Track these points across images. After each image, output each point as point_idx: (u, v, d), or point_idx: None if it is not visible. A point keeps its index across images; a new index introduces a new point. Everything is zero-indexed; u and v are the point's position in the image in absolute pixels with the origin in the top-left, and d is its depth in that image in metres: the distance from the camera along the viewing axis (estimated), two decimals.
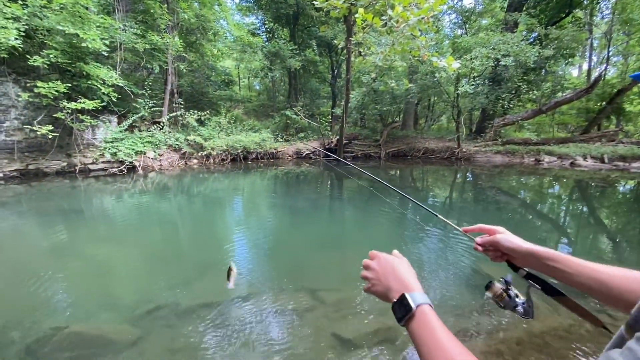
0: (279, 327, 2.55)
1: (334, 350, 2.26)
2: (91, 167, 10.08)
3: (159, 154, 11.49)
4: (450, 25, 21.33)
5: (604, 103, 15.91)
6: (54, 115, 9.00)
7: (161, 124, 12.07)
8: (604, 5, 16.64)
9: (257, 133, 14.50)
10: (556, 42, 13.47)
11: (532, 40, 14.48)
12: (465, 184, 10.29)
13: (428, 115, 22.42)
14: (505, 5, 16.78)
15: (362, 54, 9.37)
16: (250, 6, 19.73)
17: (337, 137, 14.60)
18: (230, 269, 0.82)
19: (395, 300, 0.59)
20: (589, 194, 8.30)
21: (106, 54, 9.87)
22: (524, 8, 15.39)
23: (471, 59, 12.04)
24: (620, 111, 16.43)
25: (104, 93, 9.61)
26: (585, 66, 21.03)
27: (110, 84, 9.73)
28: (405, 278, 0.61)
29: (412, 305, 0.56)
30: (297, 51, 16.02)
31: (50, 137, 8.89)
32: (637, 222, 5.90)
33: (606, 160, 11.99)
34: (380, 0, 5.59)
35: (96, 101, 9.33)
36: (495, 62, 12.59)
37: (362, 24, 5.32)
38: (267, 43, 17.32)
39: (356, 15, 5.07)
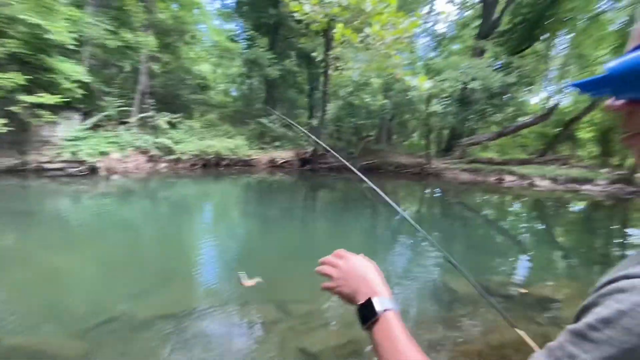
0: (243, 341, 2.45)
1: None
2: (46, 166, 9.36)
3: (124, 156, 10.93)
4: (423, 47, 22.43)
5: (559, 129, 17.28)
6: (7, 109, 8.33)
7: (129, 124, 11.53)
8: (561, 40, 18.32)
9: (231, 139, 14.23)
10: (518, 70, 14.54)
11: (497, 66, 15.53)
12: (433, 199, 10.66)
13: (401, 131, 23.17)
14: (475, 33, 17.94)
15: (340, 68, 9.60)
16: (230, 12, 19.66)
17: (313, 147, 14.66)
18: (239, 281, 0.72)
19: (361, 302, 0.57)
20: (545, 213, 8.87)
21: (73, 48, 9.36)
22: (492, 37, 16.53)
23: (441, 80, 12.67)
24: (573, 137, 17.94)
25: (67, 88, 9.06)
26: (543, 94, 22.85)
27: (75, 80, 9.20)
28: (374, 282, 0.60)
29: (379, 309, 0.54)
30: (276, 60, 16.08)
31: (4, 131, 8.19)
32: (587, 240, 6.36)
33: (561, 182, 12.94)
34: (359, 17, 5.77)
35: (58, 96, 8.75)
36: (464, 85, 13.33)
37: (340, 38, 5.45)
38: (246, 50, 17.25)
39: (335, 31, 5.19)
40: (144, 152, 11.60)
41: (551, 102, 18.21)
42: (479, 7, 18.44)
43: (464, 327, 2.72)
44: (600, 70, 0.35)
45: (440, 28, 22.30)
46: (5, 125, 8.06)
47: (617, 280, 0.35)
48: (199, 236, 5.31)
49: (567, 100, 21.13)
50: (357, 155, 15.75)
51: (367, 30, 5.14)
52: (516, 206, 9.86)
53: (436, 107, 13.14)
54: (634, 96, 0.37)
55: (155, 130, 12.38)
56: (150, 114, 12.27)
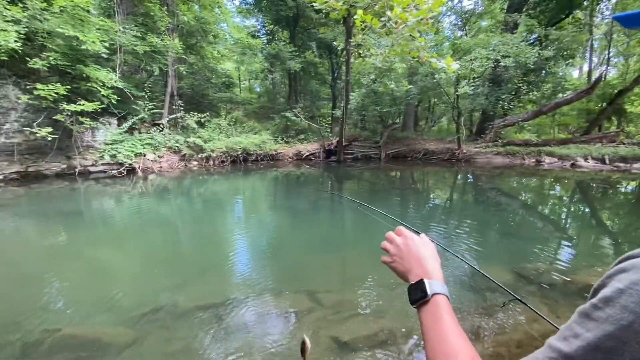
0: (277, 330, 2.52)
1: (332, 353, 2.24)
2: (91, 169, 10.08)
3: (158, 156, 11.49)
4: (450, 27, 21.36)
5: (604, 104, 15.88)
6: (54, 118, 9.01)
7: (161, 125, 12.08)
8: (604, 6, 16.65)
9: (257, 135, 14.50)
10: (556, 43, 13.47)
11: (532, 41, 14.48)
12: (465, 185, 10.27)
13: (428, 117, 22.43)
14: (505, 6, 16.79)
15: (362, 55, 9.39)
16: (250, 9, 19.79)
17: (337, 138, 14.59)
18: (303, 343, 0.76)
19: (412, 282, 0.58)
20: (590, 195, 8.26)
21: (106, 56, 9.90)
22: (524, 9, 15.40)
23: (471, 60, 12.04)
24: (621, 112, 16.40)
25: (103, 95, 9.62)
26: (585, 67, 21.04)
27: (110, 86, 9.75)
28: (429, 264, 0.60)
29: (429, 292, 0.55)
30: (297, 53, 16.04)
31: (49, 139, 8.89)
32: (638, 224, 5.86)
33: (607, 161, 11.96)
34: (379, 1, 5.59)
35: (96, 103, 9.34)
36: (495, 63, 12.58)
37: (361, 25, 5.32)
38: (267, 45, 17.35)
39: (355, 17, 5.07)
40: (177, 151, 12.13)
41: (595, 75, 16.72)
42: None
43: (502, 317, 2.62)
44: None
45: (468, 4, 21.07)
46: (51, 133, 8.74)
47: (622, 261, 0.36)
48: (232, 230, 5.50)
49: (613, 71, 19.35)
50: (382, 144, 15.48)
51: (389, 13, 4.96)
52: (557, 189, 9.26)
53: (465, 88, 12.53)
54: None
55: (186, 130, 12.88)
56: (179, 114, 12.77)
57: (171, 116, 12.58)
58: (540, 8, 16.25)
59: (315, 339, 2.38)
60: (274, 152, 14.36)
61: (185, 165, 12.10)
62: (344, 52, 13.96)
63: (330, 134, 16.06)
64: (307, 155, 14.98)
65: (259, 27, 20.53)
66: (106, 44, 9.46)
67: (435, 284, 0.56)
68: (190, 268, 3.77)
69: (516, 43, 12.12)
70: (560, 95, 15.82)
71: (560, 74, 15.84)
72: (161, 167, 11.43)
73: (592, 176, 10.39)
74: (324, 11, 6.01)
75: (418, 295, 0.56)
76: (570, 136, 16.12)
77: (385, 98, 15.61)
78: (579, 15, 16.46)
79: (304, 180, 10.66)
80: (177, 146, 12.04)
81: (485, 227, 5.48)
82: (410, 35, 5.49)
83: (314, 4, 5.29)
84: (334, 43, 14.32)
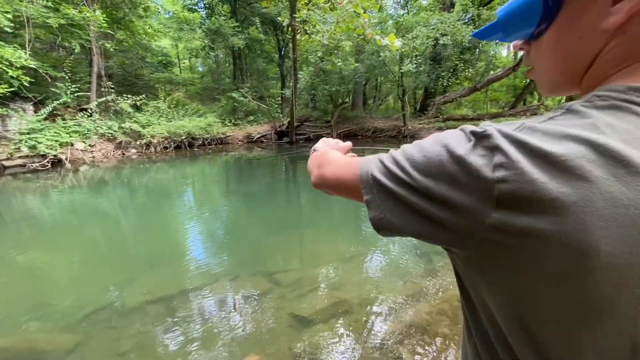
0: (237, 315, 2.50)
1: (293, 329, 2.29)
2: (5, 163, 8.74)
3: (89, 145, 10.34)
4: (392, 5, 21.71)
5: (527, 80, 17.65)
6: None
7: (89, 110, 10.80)
8: None
9: (202, 117, 13.70)
10: (487, 22, 14.44)
11: (466, 20, 15.35)
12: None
13: (376, 95, 22.99)
14: None
15: (308, 32, 9.18)
16: None
17: (288, 119, 14.38)
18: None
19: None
20: None
21: (11, 31, 8.43)
22: None
23: (412, 38, 12.45)
24: None
25: (12, 77, 8.27)
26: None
27: (19, 66, 8.39)
28: (329, 144, 0.84)
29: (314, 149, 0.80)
30: (240, 29, 15.19)
31: None
32: None
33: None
34: None
35: (3, 86, 8.00)
36: (435, 42, 13.17)
37: (304, 0, 5.16)
38: (206, 20, 16.13)
39: None
40: (111, 139, 11.02)
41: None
42: None
43: (444, 278, 2.88)
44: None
45: None
46: None
47: None
48: (181, 219, 5.23)
49: None
50: (333, 124, 15.62)
51: None
52: None
53: (409, 66, 13.01)
54: (521, 36, 0.43)
55: (119, 114, 11.70)
56: (110, 97, 11.51)
57: (100, 100, 11.28)
58: None
59: (275, 318, 2.41)
60: (223, 136, 13.75)
61: (123, 154, 11.07)
62: (290, 29, 13.54)
63: (280, 115, 15.76)
64: (258, 138, 14.61)
65: None
66: (9, 16, 8.03)
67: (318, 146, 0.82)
68: (137, 262, 3.53)
69: (453, 22, 12.76)
70: (492, 72, 17.20)
71: (492, 52, 17.14)
72: (94, 157, 10.33)
73: None
74: None
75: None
76: (501, 110, 17.75)
77: (333, 77, 15.61)
78: None
79: (256, 164, 10.42)
80: (110, 133, 10.91)
81: None
82: (355, 11, 5.48)
83: None
84: (279, 19, 13.74)
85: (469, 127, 0.37)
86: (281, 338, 2.20)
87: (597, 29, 0.35)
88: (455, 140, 0.36)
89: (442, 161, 0.35)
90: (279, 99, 16.97)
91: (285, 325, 2.33)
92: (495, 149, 0.32)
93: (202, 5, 18.34)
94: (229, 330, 2.30)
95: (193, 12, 16.97)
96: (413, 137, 14.76)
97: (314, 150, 0.78)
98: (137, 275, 3.18)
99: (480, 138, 0.34)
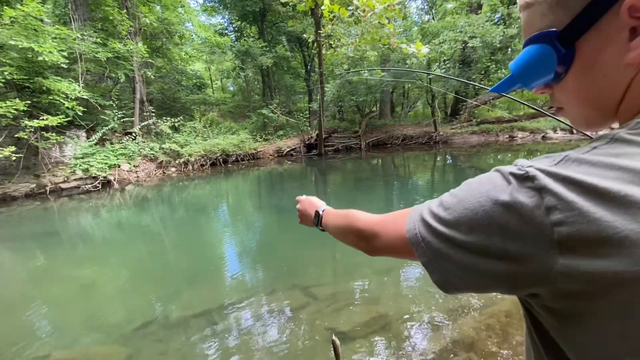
0: (274, 329, 2.52)
1: (330, 345, 2.26)
2: (63, 186, 9.63)
3: (134, 166, 11.11)
4: (417, 12, 21.55)
5: None
6: (16, 136, 8.52)
7: (133, 134, 11.66)
8: None
9: (235, 135, 14.26)
10: (519, 20, 13.86)
11: (496, 20, 14.84)
12: (445, 166, 10.51)
13: (404, 103, 22.68)
14: None
15: (333, 46, 9.34)
16: (214, 6, 19.26)
17: (317, 131, 14.56)
18: (334, 343, 1.11)
19: (313, 216, 0.82)
20: None
21: (66, 66, 9.40)
22: None
23: (439, 43, 12.23)
24: None
25: (68, 107, 9.16)
26: None
27: (73, 98, 9.29)
28: (316, 204, 0.84)
29: (320, 211, 0.79)
30: (268, 48, 15.79)
31: (14, 158, 8.40)
32: None
33: (574, 131, 12.53)
34: None
35: (60, 117, 8.88)
36: (464, 45, 12.84)
37: (329, 15, 5.29)
38: (236, 42, 16.96)
39: (322, 8, 5.02)
40: (153, 159, 11.77)
41: None
42: None
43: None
44: (507, 72, 0.39)
45: None
46: (14, 152, 8.26)
47: None
48: (217, 234, 5.42)
49: None
50: (361, 134, 15.58)
51: (355, 2, 4.96)
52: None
53: (437, 71, 12.74)
54: (540, 83, 0.42)
55: (160, 136, 12.50)
56: (152, 121, 12.36)
57: (143, 123, 12.16)
58: None
59: (312, 333, 2.40)
60: (254, 151, 14.18)
61: (164, 173, 11.76)
62: (315, 44, 13.86)
63: (309, 128, 16.00)
64: (288, 152, 14.89)
65: (225, 24, 20.03)
66: (65, 53, 8.97)
67: (322, 208, 0.80)
68: (180, 277, 3.69)
69: (481, 23, 12.39)
70: None
71: None
72: (138, 176, 11.07)
73: (562, 146, 10.86)
74: (290, 4, 5.93)
75: (316, 218, 0.80)
76: (539, 110, 16.74)
77: (360, 87, 15.66)
78: None
79: (287, 177, 10.60)
80: (152, 154, 11.67)
81: None
82: (379, 22, 5.51)
83: None
84: (304, 35, 14.16)
85: (505, 168, 0.35)
86: (319, 353, 2.19)
87: (620, 64, 0.34)
88: (494, 185, 0.34)
89: (487, 212, 0.33)
90: (307, 112, 17.28)
91: (322, 340, 2.31)
92: (542, 190, 0.31)
93: (232, 29, 19.38)
94: (267, 345, 2.32)
95: (223, 36, 17.96)
96: (445, 142, 14.32)
97: (319, 214, 0.79)
98: (179, 290, 3.33)
99: (522, 180, 0.32)
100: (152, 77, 13.11)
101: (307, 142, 14.99)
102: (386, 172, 10.07)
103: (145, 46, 11.74)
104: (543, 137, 12.78)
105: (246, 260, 4.13)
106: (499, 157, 10.69)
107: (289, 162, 13.24)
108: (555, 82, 0.41)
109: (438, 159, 11.78)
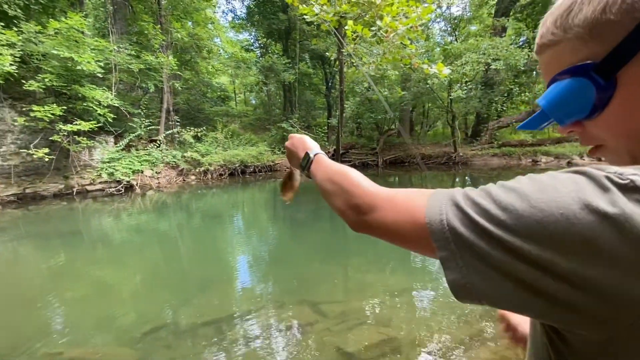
0: (281, 344, 2.49)
1: None
2: (88, 188, 10.05)
3: (156, 172, 11.49)
4: (439, 33, 21.71)
5: None
6: (50, 139, 9.03)
7: (158, 142, 12.12)
8: None
9: (254, 147, 14.55)
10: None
11: (521, 43, 14.74)
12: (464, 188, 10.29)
13: (423, 122, 22.57)
14: (493, 11, 17.12)
15: (355, 64, 9.51)
16: (242, 23, 20.13)
17: (334, 147, 14.66)
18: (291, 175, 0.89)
19: (301, 157, 0.70)
20: None
21: (101, 76, 9.99)
22: (511, 13, 15.71)
23: (462, 64, 12.21)
24: None
25: (99, 114, 9.68)
26: None
27: (105, 105, 9.81)
28: (309, 144, 0.72)
29: (311, 155, 0.67)
30: (291, 65, 16.25)
31: (47, 160, 8.89)
32: None
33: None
34: (369, 11, 5.70)
35: (92, 122, 9.38)
36: (486, 67, 12.76)
37: (352, 35, 5.41)
38: (260, 58, 17.58)
39: (346, 28, 5.14)
40: (174, 167, 12.14)
41: None
42: None
43: None
44: (537, 106, 0.39)
45: (456, 11, 21.47)
46: (47, 154, 8.74)
47: None
48: (233, 243, 5.47)
49: None
50: (379, 151, 15.56)
51: (379, 23, 5.06)
52: None
53: (458, 92, 12.68)
54: (572, 119, 0.39)
55: (183, 145, 12.92)
56: (176, 130, 12.84)
57: (168, 132, 12.64)
58: (527, 11, 16.58)
59: (320, 351, 2.35)
60: (272, 163, 14.39)
61: (184, 180, 12.09)
62: (337, 62, 14.14)
63: (327, 143, 16.14)
64: None
65: (252, 40, 20.86)
66: (101, 64, 9.56)
67: (315, 151, 0.68)
68: (192, 284, 3.73)
69: (505, 46, 12.32)
70: None
71: None
72: (159, 183, 11.42)
73: None
74: (315, 23, 6.13)
75: (305, 161, 0.68)
76: (565, 135, 16.25)
77: (379, 105, 15.75)
78: None
79: (302, 190, 10.64)
80: (174, 161, 12.06)
81: None
82: (401, 42, 5.58)
83: (305, 16, 5.40)
84: (327, 53, 14.51)
85: (593, 170, 0.29)
86: None
87: None
88: (580, 187, 0.27)
89: (569, 218, 0.26)
90: (325, 127, 17.49)
91: (330, 358, 2.25)
92: None
93: (257, 45, 20.13)
94: None
95: (249, 52, 18.66)
96: (465, 163, 14.06)
97: (308, 156, 0.68)
98: (190, 296, 3.36)
99: (628, 190, 0.26)
100: (180, 88, 13.70)
101: None
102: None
103: (175, 59, 12.34)
104: (568, 162, 12.34)
105: (257, 271, 4.13)
106: None
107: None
108: (590, 118, 0.37)
109: (457, 180, 11.56)
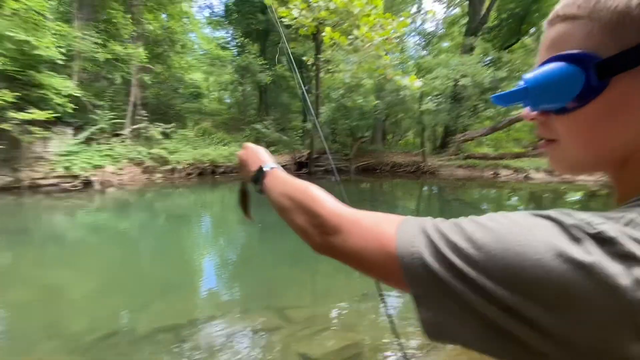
0: (244, 350, 2.43)
1: None
2: (41, 182, 9.29)
3: (119, 168, 10.88)
4: (414, 47, 22.60)
5: None
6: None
7: (122, 136, 11.49)
8: None
9: (226, 146, 14.22)
10: (509, 65, 14.67)
11: (487, 62, 15.66)
12: (431, 197, 10.69)
13: (395, 131, 23.26)
14: (464, 30, 18.11)
15: (331, 71, 9.65)
16: (220, 20, 19.72)
17: (308, 151, 14.69)
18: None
19: (254, 171, 0.66)
20: (542, 205, 8.92)
21: (62, 63, 9.34)
22: (480, 33, 16.68)
23: (433, 78, 12.76)
24: None
25: (58, 103, 9.02)
26: None
27: (65, 94, 9.17)
28: (263, 156, 0.67)
29: (265, 169, 0.63)
30: (268, 66, 16.13)
31: None
32: None
33: (555, 174, 13.03)
34: (347, 20, 5.81)
35: (49, 112, 8.71)
36: (455, 82, 13.43)
37: (329, 41, 5.48)
38: (237, 57, 17.29)
39: (323, 34, 5.20)
40: (139, 163, 11.56)
41: None
42: (466, 5, 18.62)
43: None
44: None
45: (429, 26, 22.46)
46: None
47: None
48: (197, 246, 5.29)
49: None
50: (352, 157, 15.79)
51: (356, 32, 5.16)
52: (513, 200, 9.91)
53: (429, 105, 13.22)
54: (545, 107, 0.37)
55: (149, 141, 12.35)
56: (143, 125, 12.25)
57: (134, 127, 12.03)
58: (494, 33, 17.72)
59: (283, 356, 2.32)
60: None
61: (149, 178, 11.54)
62: (314, 67, 14.24)
63: (301, 146, 16.14)
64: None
65: (229, 38, 20.47)
66: (63, 50, 8.94)
67: (270, 165, 0.64)
68: (152, 287, 3.56)
69: (473, 64, 13.06)
70: (514, 112, 17.15)
71: None
72: (121, 179, 10.81)
73: (542, 187, 11.25)
74: (293, 27, 6.14)
75: (258, 175, 0.63)
76: (524, 150, 17.43)
77: (354, 112, 16.03)
78: (528, 41, 18.14)
79: None
80: (139, 158, 11.47)
81: None
82: (377, 53, 5.74)
83: (283, 19, 5.39)
84: (304, 58, 14.59)
85: (563, 218, 0.27)
86: None
87: None
88: (554, 235, 0.26)
89: (544, 266, 0.25)
90: (300, 131, 17.49)
91: None
92: (630, 258, 0.24)
93: (234, 44, 19.80)
94: None
95: (225, 50, 18.30)
96: (432, 173, 14.62)
97: (262, 170, 0.63)
98: (149, 301, 3.19)
99: (598, 241, 0.25)
100: (149, 82, 13.11)
101: (297, 160, 15.07)
102: (374, 197, 10.15)
103: (146, 51, 11.82)
104: (526, 176, 13.21)
105: (223, 274, 4.02)
106: (483, 192, 10.96)
107: None
108: (561, 112, 0.35)
109: (425, 188, 11.99)
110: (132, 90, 12.20)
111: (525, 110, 0.40)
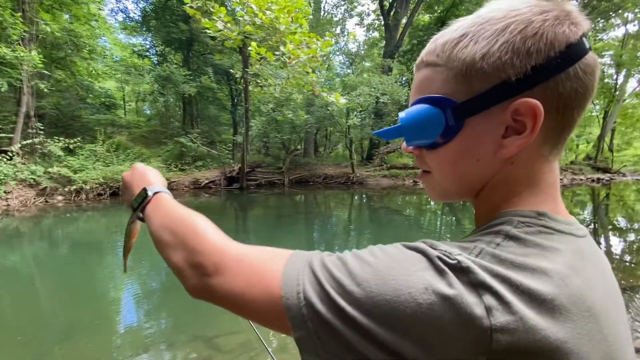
0: None
1: None
2: None
3: (4, 192, 9.06)
4: (339, 65, 23.96)
5: None
6: None
7: (9, 154, 9.62)
8: None
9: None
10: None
11: (403, 82, 17.41)
12: (361, 206, 11.26)
13: (326, 144, 24.11)
14: (382, 52, 19.89)
15: (260, 85, 9.61)
16: (135, 26, 18.19)
17: (239, 165, 14.25)
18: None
19: (135, 195, 0.55)
20: (454, 208, 10.11)
21: None
22: (396, 56, 18.51)
23: (357, 95, 13.68)
24: None
25: None
26: None
27: None
28: (151, 176, 0.58)
29: (150, 193, 0.52)
30: (192, 77, 15.34)
31: None
32: None
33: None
34: (274, 36, 5.89)
35: None
36: (376, 99, 14.60)
37: (256, 56, 5.48)
38: (157, 66, 16.09)
39: (250, 49, 5.18)
40: (33, 185, 9.80)
41: None
42: (383, 30, 20.56)
43: None
44: (397, 120, 0.41)
45: (353, 47, 24.11)
46: None
47: None
48: (111, 277, 4.64)
49: None
50: (285, 170, 15.82)
51: (282, 49, 5.27)
52: (432, 204, 11.03)
53: (354, 120, 14.08)
54: (417, 143, 0.41)
55: (48, 158, 10.60)
56: (38, 139, 10.47)
57: (26, 142, 10.20)
58: (407, 56, 19.83)
59: None
60: (167, 182, 13.01)
61: (46, 201, 9.83)
62: (242, 80, 14.02)
63: (232, 161, 15.59)
64: (207, 184, 14.08)
65: (147, 46, 18.97)
66: None
67: (157, 188, 0.54)
68: (55, 330, 2.99)
69: (391, 83, 14.39)
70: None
71: None
72: (9, 205, 9.01)
73: None
74: (218, 39, 6.00)
75: (140, 200, 0.53)
76: (407, 153, 19.62)
77: (285, 126, 16.19)
78: None
79: (203, 211, 9.90)
80: (32, 178, 9.72)
81: (380, 241, 6.06)
82: (304, 70, 5.92)
83: (207, 30, 5.23)
84: (231, 70, 14.29)
85: (428, 250, 0.30)
86: None
87: (493, 155, 0.36)
88: (422, 269, 0.29)
89: (416, 300, 0.27)
90: (230, 144, 16.91)
91: None
92: (480, 286, 0.27)
93: (154, 52, 18.42)
94: None
95: (143, 58, 16.90)
96: (361, 183, 15.48)
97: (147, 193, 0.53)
98: (51, 346, 2.69)
99: (456, 271, 0.28)
100: (47, 90, 11.33)
101: (228, 175, 14.48)
102: (308, 209, 10.27)
103: (42, 55, 10.22)
104: None
105: (144, 306, 3.60)
106: (406, 198, 11.97)
107: (207, 195, 12.50)
108: (431, 148, 0.39)
109: (355, 197, 12.60)
110: (23, 99, 10.38)
111: (404, 144, 0.43)
